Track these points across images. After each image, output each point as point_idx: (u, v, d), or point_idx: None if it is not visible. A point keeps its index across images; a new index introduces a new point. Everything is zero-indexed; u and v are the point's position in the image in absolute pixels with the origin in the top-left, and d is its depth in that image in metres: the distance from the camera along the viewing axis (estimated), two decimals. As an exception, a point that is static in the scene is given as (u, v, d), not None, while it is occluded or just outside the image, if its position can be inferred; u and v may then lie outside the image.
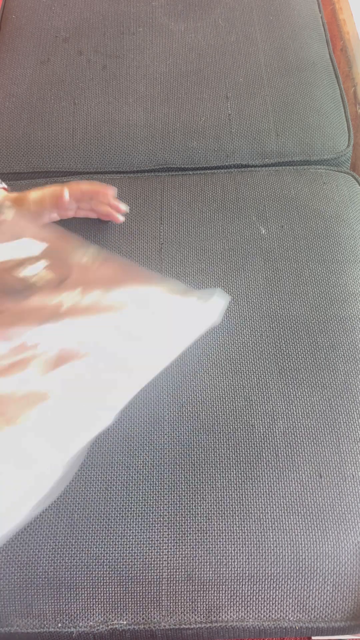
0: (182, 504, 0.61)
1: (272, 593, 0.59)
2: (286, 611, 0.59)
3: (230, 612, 0.58)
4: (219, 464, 0.63)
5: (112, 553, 0.59)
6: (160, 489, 0.62)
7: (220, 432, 0.64)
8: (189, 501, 0.61)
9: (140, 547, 0.59)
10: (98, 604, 0.59)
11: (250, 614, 0.58)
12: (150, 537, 0.60)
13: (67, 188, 0.72)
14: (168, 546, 0.59)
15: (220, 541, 0.59)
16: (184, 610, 0.59)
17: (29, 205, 0.71)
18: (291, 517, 0.60)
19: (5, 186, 0.79)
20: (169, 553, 0.59)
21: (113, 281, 0.54)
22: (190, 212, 0.81)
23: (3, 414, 0.41)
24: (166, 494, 0.61)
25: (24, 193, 0.72)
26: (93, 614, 0.58)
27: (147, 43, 0.97)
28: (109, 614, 0.58)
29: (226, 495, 0.61)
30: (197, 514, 0.60)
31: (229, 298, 0.63)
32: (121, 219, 0.78)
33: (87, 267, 0.57)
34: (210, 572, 0.59)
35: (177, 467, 0.63)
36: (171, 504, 0.61)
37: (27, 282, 0.55)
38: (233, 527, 0.60)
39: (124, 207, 0.77)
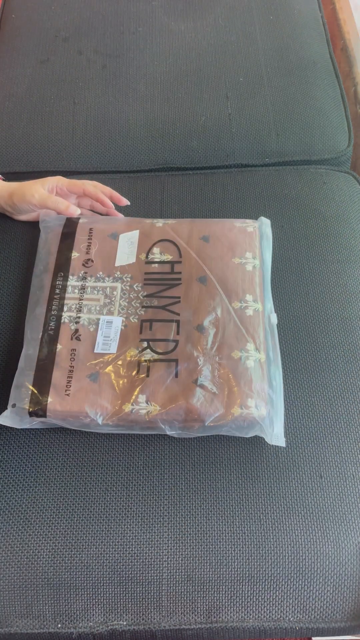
0: (182, 504, 0.61)
1: (272, 593, 0.58)
2: (286, 612, 0.58)
3: (231, 613, 0.58)
4: (219, 464, 0.62)
5: (112, 553, 0.59)
6: (160, 489, 0.62)
7: (220, 432, 0.64)
8: (189, 501, 0.61)
9: (140, 547, 0.59)
10: (98, 604, 0.59)
11: (250, 614, 0.58)
12: (150, 537, 0.59)
13: (71, 183, 0.74)
14: (168, 546, 0.59)
15: (220, 541, 0.59)
16: (184, 610, 0.58)
17: (26, 186, 0.73)
18: (291, 517, 0.60)
19: (1, 176, 0.80)
20: (169, 553, 0.59)
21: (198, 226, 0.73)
22: (190, 212, 0.81)
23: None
24: (166, 494, 0.61)
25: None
26: (93, 615, 0.58)
27: (147, 43, 0.97)
28: (109, 614, 0.58)
29: (226, 495, 0.61)
30: (197, 514, 0.60)
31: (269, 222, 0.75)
32: (120, 215, 0.78)
33: (172, 228, 0.73)
34: (210, 572, 0.59)
35: (177, 467, 0.63)
36: (171, 504, 0.61)
37: (162, 269, 0.70)
38: (233, 527, 0.60)
39: (125, 201, 0.77)
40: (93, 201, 0.78)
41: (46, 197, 0.72)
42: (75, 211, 0.73)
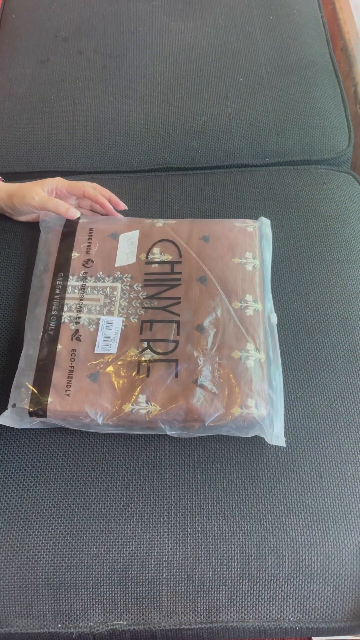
0: (182, 504, 0.61)
1: (272, 593, 0.59)
2: (286, 611, 0.58)
3: (230, 613, 0.58)
4: (219, 464, 0.63)
5: (112, 553, 0.59)
6: (160, 489, 0.62)
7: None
8: (189, 501, 0.61)
9: (140, 547, 0.59)
10: (98, 604, 0.59)
11: (250, 614, 0.58)
12: (150, 537, 0.60)
13: (70, 184, 0.74)
14: (168, 546, 0.59)
15: (220, 541, 0.59)
16: (184, 610, 0.59)
17: (26, 188, 0.73)
18: (291, 517, 0.60)
19: (0, 177, 0.80)
20: (169, 553, 0.59)
21: (198, 226, 0.74)
22: (190, 212, 0.81)
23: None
24: (166, 494, 0.61)
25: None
26: (93, 614, 0.58)
27: (147, 43, 0.97)
28: (109, 614, 0.58)
29: (226, 495, 0.61)
30: (197, 514, 0.60)
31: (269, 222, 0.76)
32: (119, 216, 0.78)
33: (172, 228, 0.73)
34: (210, 572, 0.59)
35: (177, 467, 0.63)
36: (171, 504, 0.61)
37: (162, 269, 0.70)
38: (233, 527, 0.60)
39: (123, 206, 0.77)
40: (93, 202, 0.78)
41: (46, 199, 0.72)
42: (75, 214, 0.73)
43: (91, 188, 0.75)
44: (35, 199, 0.72)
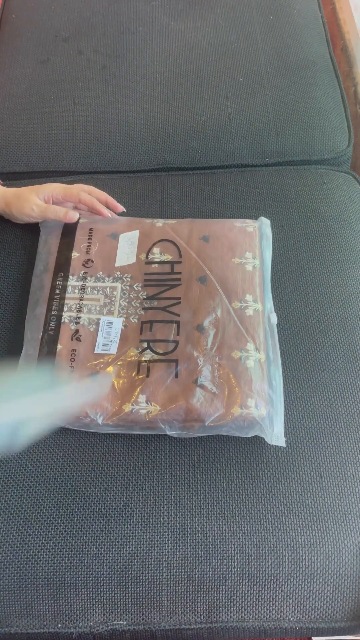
0: (182, 504, 0.61)
1: (272, 593, 0.59)
2: (286, 611, 0.58)
3: (230, 613, 0.58)
4: (219, 464, 0.63)
5: (112, 553, 0.59)
6: (160, 489, 0.62)
7: (220, 432, 0.64)
8: (189, 501, 0.61)
9: (140, 547, 0.59)
10: (98, 604, 0.59)
11: (250, 614, 0.58)
12: (150, 537, 0.60)
13: (66, 192, 0.74)
14: (168, 546, 0.59)
15: (220, 541, 0.59)
16: (184, 610, 0.59)
17: (24, 198, 0.72)
18: (291, 517, 0.60)
19: (0, 180, 0.80)
20: (169, 553, 0.59)
21: (198, 226, 0.74)
22: (190, 212, 0.81)
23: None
24: (166, 494, 0.61)
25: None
26: (93, 614, 0.58)
27: (147, 43, 0.97)
28: (109, 614, 0.58)
29: (226, 495, 0.61)
30: (197, 514, 0.60)
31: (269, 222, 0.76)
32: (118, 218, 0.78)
33: (172, 228, 0.73)
34: (210, 572, 0.59)
35: (177, 467, 0.63)
36: (171, 504, 0.61)
37: (162, 269, 0.70)
38: (233, 527, 0.60)
39: (121, 208, 0.77)
40: (89, 209, 0.78)
41: (45, 208, 0.73)
42: (74, 216, 0.73)
43: (87, 194, 0.74)
44: (34, 210, 0.73)
